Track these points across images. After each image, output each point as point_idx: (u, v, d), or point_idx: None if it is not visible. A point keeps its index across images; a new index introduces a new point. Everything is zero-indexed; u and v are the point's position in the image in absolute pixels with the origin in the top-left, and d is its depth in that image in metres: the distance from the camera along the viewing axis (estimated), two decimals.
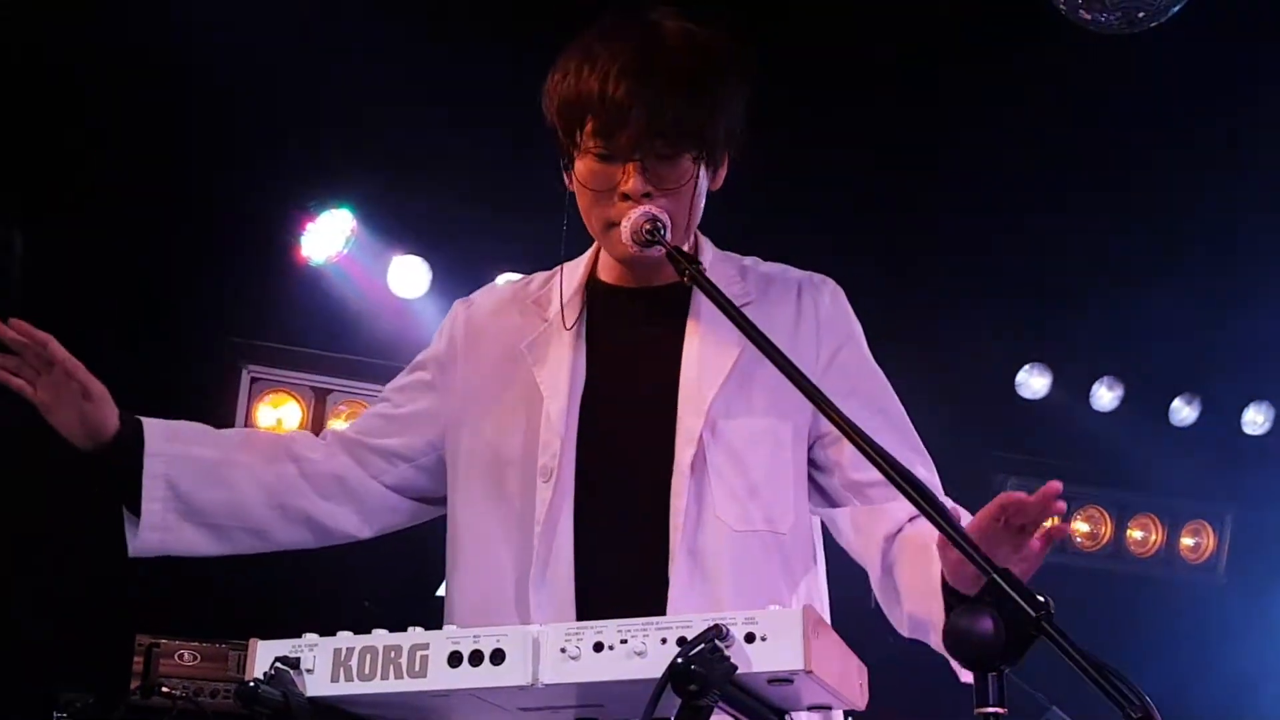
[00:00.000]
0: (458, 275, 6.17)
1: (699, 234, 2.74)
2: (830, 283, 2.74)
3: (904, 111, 5.99)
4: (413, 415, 2.76)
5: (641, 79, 2.48)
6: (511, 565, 2.52)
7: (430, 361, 2.81)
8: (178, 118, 5.60)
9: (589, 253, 2.78)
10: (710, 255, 2.73)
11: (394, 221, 6.07)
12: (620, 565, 2.50)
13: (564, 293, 2.70)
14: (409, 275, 6.12)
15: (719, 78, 2.55)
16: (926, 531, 2.32)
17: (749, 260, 2.80)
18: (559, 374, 2.60)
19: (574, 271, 2.75)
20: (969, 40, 5.60)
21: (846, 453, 2.56)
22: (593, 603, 2.45)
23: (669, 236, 2.48)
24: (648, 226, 2.47)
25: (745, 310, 2.47)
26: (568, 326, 2.65)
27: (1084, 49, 5.21)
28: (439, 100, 5.76)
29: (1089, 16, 4.51)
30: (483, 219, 6.17)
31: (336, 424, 2.87)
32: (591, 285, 2.73)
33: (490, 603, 2.52)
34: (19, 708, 5.01)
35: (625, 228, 2.49)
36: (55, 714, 4.54)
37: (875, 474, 2.43)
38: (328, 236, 5.90)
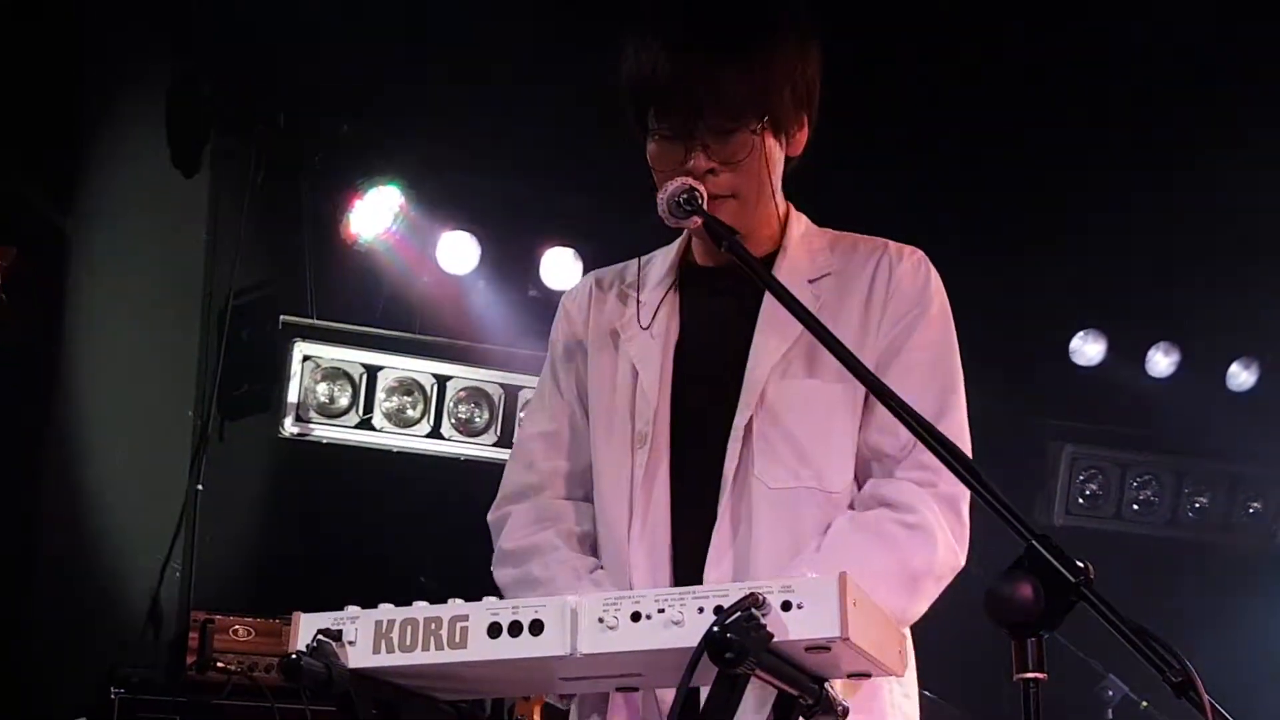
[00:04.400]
0: (506, 250, 6.19)
1: (792, 208, 2.74)
2: (916, 254, 2.71)
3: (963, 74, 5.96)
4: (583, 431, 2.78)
5: (690, 55, 2.47)
6: (620, 528, 2.59)
7: (562, 373, 2.82)
8: (226, 94, 5.64)
9: (683, 235, 2.79)
10: (802, 228, 2.73)
11: (442, 197, 6.09)
12: (701, 528, 2.54)
13: (658, 273, 2.76)
14: (458, 251, 6.12)
15: (773, 43, 2.53)
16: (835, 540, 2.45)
17: (846, 234, 2.78)
18: (651, 349, 2.66)
19: (668, 253, 2.79)
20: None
21: (877, 414, 2.55)
22: (686, 564, 2.52)
23: (727, 206, 2.51)
24: (684, 196, 2.46)
25: (824, 281, 2.62)
26: (657, 304, 2.70)
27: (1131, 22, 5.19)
28: (486, 77, 5.76)
29: None
30: (530, 193, 6.18)
31: (550, 463, 2.86)
32: (684, 265, 2.76)
33: (608, 564, 2.61)
34: (78, 684, 5.07)
35: (661, 199, 2.49)
36: (113, 689, 4.59)
37: (894, 441, 2.52)
38: (376, 214, 5.91)
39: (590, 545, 2.68)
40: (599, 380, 2.73)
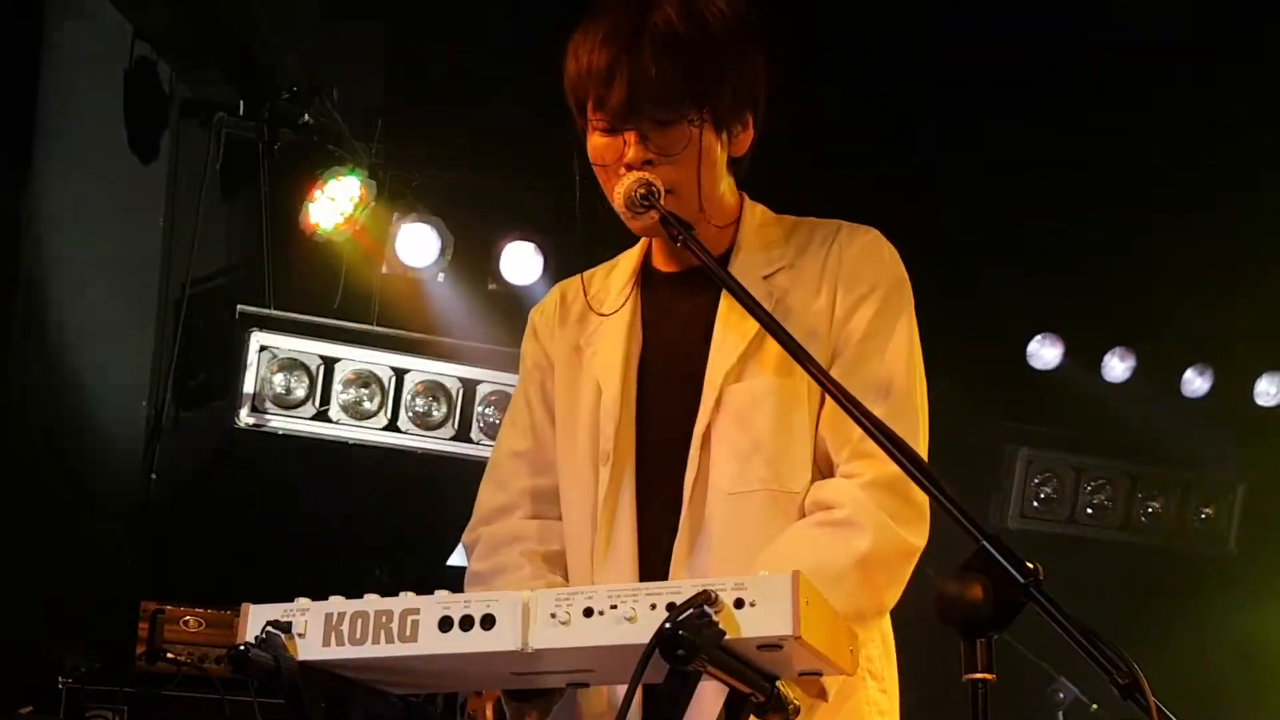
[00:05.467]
0: (467, 242, 6.18)
1: (746, 199, 2.70)
2: (870, 233, 2.65)
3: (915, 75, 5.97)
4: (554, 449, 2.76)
5: (628, 43, 2.43)
6: (585, 549, 2.58)
7: (532, 390, 2.79)
8: (184, 81, 5.60)
9: (642, 240, 2.75)
10: (756, 222, 2.68)
11: (403, 189, 6.07)
12: (665, 543, 2.52)
13: (619, 282, 2.71)
14: (418, 243, 6.10)
15: (717, 37, 2.48)
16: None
17: (804, 221, 2.72)
18: (612, 363, 2.62)
19: (630, 259, 2.75)
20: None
21: (827, 410, 2.52)
22: (653, 580, 2.45)
23: (663, 202, 2.45)
24: (641, 190, 2.44)
25: (778, 276, 2.57)
26: (610, 313, 2.67)
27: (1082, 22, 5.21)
28: (449, 69, 5.75)
29: None
30: (492, 186, 6.16)
31: (520, 483, 2.79)
32: (644, 273, 2.72)
33: (576, 585, 2.57)
34: (26, 674, 5.03)
35: (619, 193, 2.47)
36: (60, 679, 4.55)
37: (839, 439, 2.48)
38: (336, 204, 5.88)
39: (562, 565, 2.65)
40: (564, 398, 2.70)
